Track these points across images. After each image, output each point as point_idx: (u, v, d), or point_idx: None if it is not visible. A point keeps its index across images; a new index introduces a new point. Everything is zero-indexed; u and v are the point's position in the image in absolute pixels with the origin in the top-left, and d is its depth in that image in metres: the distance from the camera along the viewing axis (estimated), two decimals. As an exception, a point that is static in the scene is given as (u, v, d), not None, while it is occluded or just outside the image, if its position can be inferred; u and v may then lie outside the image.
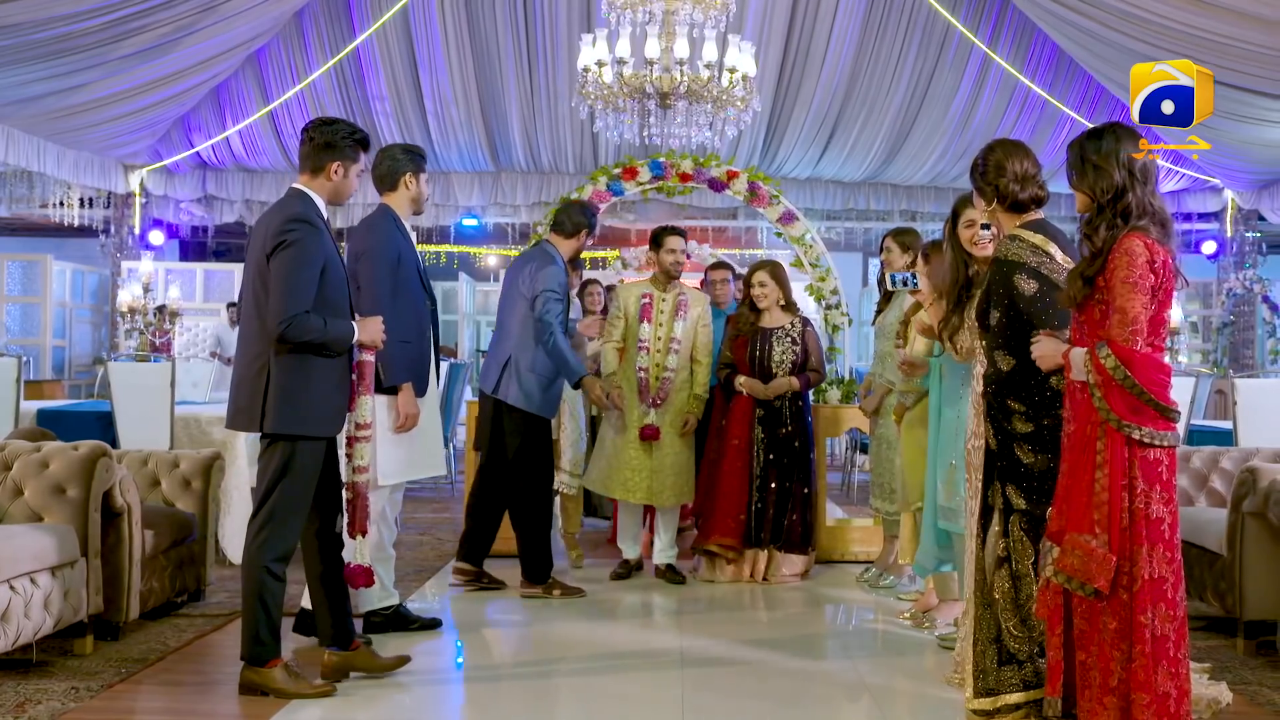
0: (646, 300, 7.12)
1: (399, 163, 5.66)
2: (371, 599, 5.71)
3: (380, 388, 5.26)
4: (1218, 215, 16.05)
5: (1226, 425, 7.84)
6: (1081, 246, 3.91)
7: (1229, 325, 15.79)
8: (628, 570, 7.17)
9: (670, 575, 7.04)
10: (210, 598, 6.38)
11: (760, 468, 6.94)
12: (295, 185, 4.78)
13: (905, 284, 5.58)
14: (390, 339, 5.11)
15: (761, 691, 4.89)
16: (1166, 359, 3.91)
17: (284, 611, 5.96)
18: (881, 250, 6.92)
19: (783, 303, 7.15)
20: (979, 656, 4.28)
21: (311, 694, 4.70)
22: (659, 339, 7.07)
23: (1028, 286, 4.17)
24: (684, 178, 7.95)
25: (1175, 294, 3.99)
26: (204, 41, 12.59)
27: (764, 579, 6.97)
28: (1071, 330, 3.96)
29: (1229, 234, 15.93)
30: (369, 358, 4.83)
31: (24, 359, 7.99)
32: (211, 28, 12.27)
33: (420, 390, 5.51)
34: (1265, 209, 14.88)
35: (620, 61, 9.38)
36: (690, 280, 8.03)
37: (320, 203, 4.76)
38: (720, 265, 8.10)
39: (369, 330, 4.79)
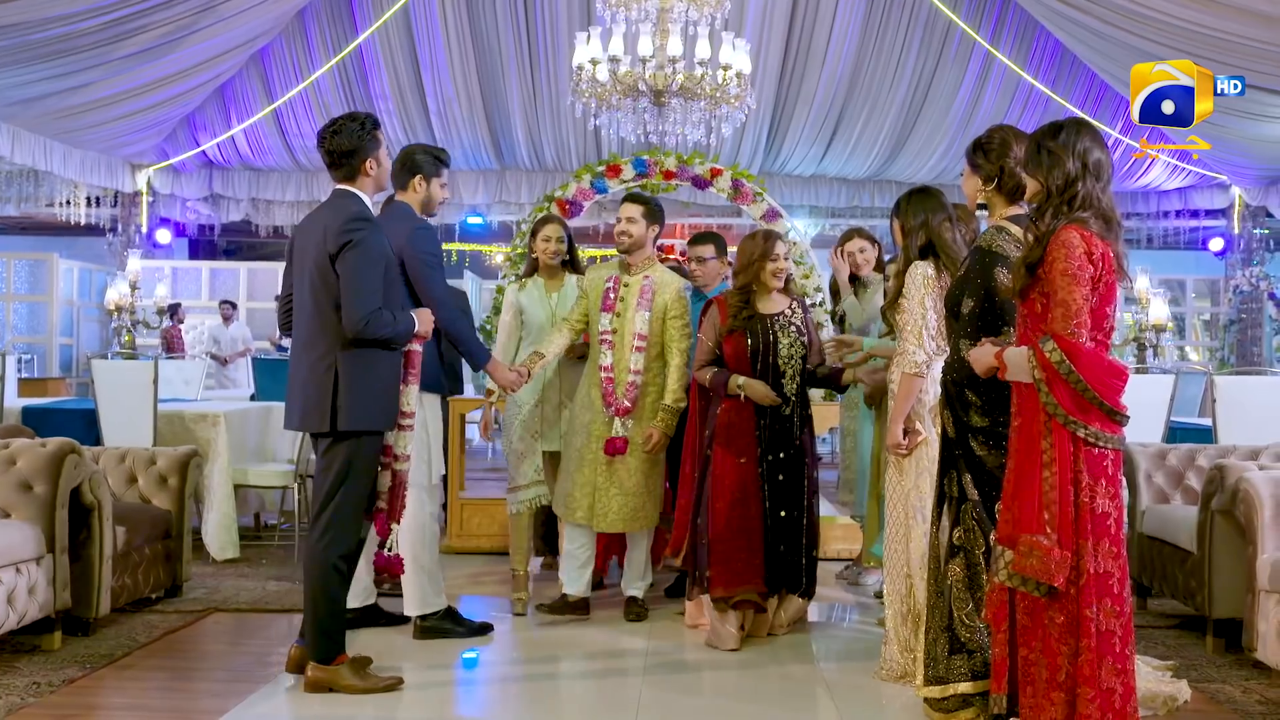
0: (610, 285, 5.91)
1: (416, 163, 5.66)
2: (354, 597, 5.72)
3: (443, 389, 5.63)
4: (1225, 212, 15.94)
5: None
6: (1027, 234, 3.91)
7: (1236, 323, 15.68)
8: (563, 607, 5.92)
9: (633, 608, 5.97)
10: (188, 594, 6.41)
11: (774, 495, 5.57)
12: (339, 187, 4.81)
13: None
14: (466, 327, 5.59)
15: (718, 687, 4.91)
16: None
17: (248, 608, 6.14)
18: (851, 253, 6.86)
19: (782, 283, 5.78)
20: (930, 644, 4.30)
21: (382, 687, 4.71)
22: (621, 333, 5.85)
23: (1008, 280, 4.14)
24: (668, 175, 7.95)
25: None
26: (206, 41, 12.69)
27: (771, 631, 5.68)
28: (1016, 325, 3.94)
29: (1236, 231, 15.83)
30: (417, 347, 4.90)
31: (8, 355, 8.04)
32: (212, 27, 12.36)
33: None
34: (1273, 205, 14.81)
35: (614, 59, 9.39)
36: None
37: (368, 201, 4.83)
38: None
39: (424, 322, 4.88)
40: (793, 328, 5.68)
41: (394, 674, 4.83)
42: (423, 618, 5.57)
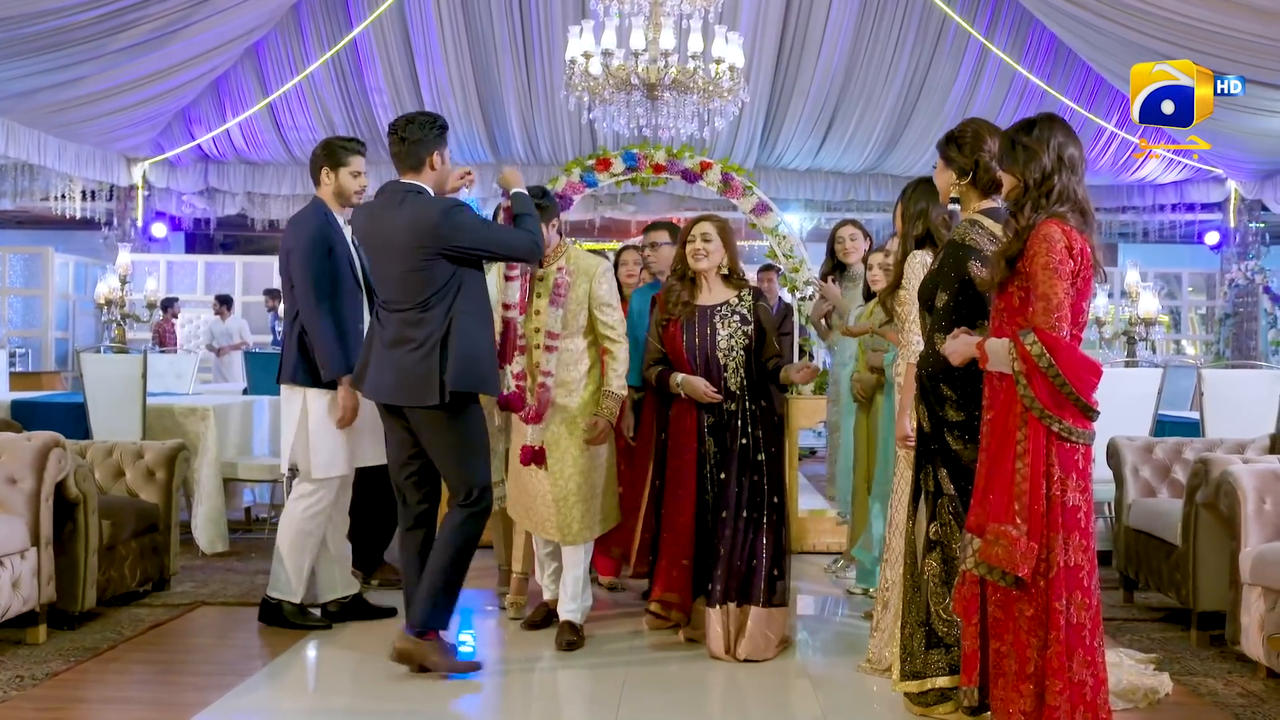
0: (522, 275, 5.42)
1: (318, 156, 5.72)
2: (336, 588, 5.79)
3: (318, 382, 5.48)
4: (1221, 205, 15.93)
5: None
6: (1006, 229, 3.91)
7: (1231, 316, 15.68)
8: (545, 616, 5.63)
9: (566, 634, 5.34)
10: (175, 587, 6.41)
11: (714, 495, 5.26)
12: (406, 181, 4.89)
13: None
14: (327, 334, 5.39)
15: (701, 679, 4.91)
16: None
17: (235, 602, 6.15)
18: (842, 239, 6.87)
19: (725, 272, 5.44)
20: (907, 639, 4.31)
21: (463, 668, 4.88)
22: (535, 331, 5.35)
23: (981, 275, 4.15)
24: (657, 169, 7.95)
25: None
26: (201, 35, 12.69)
27: (733, 653, 5.13)
28: (990, 318, 3.94)
29: (1232, 224, 15.83)
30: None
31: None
32: (206, 21, 12.36)
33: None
34: (1268, 199, 14.79)
35: (606, 53, 9.39)
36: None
37: (432, 193, 4.92)
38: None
39: (518, 181, 5.13)
40: (735, 317, 5.36)
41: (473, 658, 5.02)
42: (268, 598, 5.66)
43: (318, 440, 5.50)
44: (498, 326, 5.25)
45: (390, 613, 5.78)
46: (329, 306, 5.43)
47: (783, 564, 5.28)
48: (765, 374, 5.41)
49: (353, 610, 5.80)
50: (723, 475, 5.27)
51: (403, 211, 4.79)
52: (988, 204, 4.34)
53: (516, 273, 5.25)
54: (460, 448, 4.84)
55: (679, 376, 5.35)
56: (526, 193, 5.08)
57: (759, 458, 5.29)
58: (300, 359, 5.50)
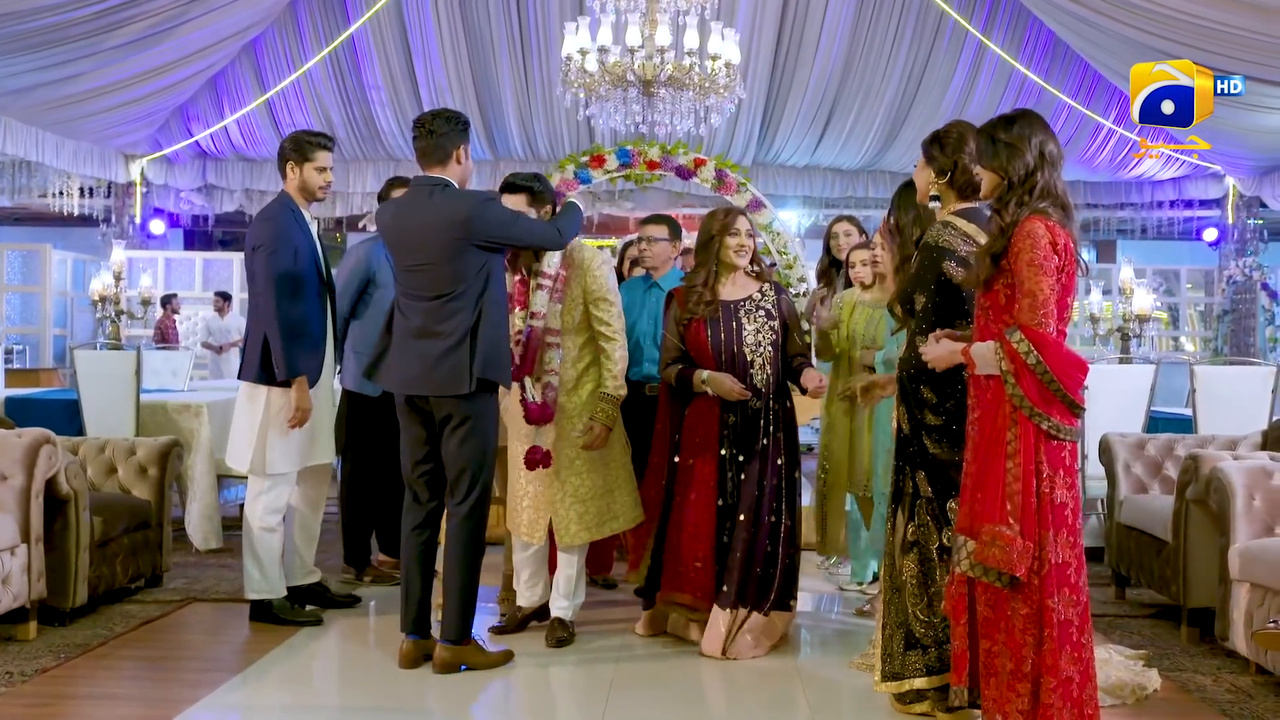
0: (520, 279, 5.27)
1: (284, 150, 5.69)
2: (294, 575, 5.85)
3: (273, 380, 5.47)
4: (1219, 202, 15.93)
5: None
6: (990, 225, 3.91)
7: (1229, 313, 15.67)
8: (518, 622, 5.47)
9: (557, 630, 5.27)
10: (168, 584, 6.41)
11: (732, 496, 5.12)
12: (434, 176, 4.90)
13: None
14: (284, 337, 5.38)
15: (691, 675, 4.92)
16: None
17: (227, 598, 6.16)
18: (837, 236, 6.86)
19: (749, 268, 5.33)
20: (887, 640, 4.31)
21: (500, 661, 4.97)
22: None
23: (956, 275, 4.16)
24: (651, 165, 7.95)
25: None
26: (198, 31, 12.68)
27: (724, 653, 5.06)
28: (975, 317, 3.94)
29: (1230, 221, 15.82)
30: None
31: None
32: (203, 18, 12.35)
33: (312, 382, 5.53)
34: (1266, 196, 14.79)
35: (602, 50, 9.39)
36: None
37: (458, 187, 4.96)
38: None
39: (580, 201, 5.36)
40: (761, 312, 5.23)
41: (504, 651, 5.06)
42: (252, 603, 5.67)
43: (275, 437, 5.51)
44: (517, 325, 5.21)
45: (355, 600, 5.98)
46: (287, 309, 5.40)
47: (792, 563, 5.25)
48: (789, 372, 5.32)
49: (314, 598, 5.89)
50: (743, 477, 5.13)
51: (433, 205, 4.82)
52: (963, 205, 4.35)
53: (549, 282, 5.17)
54: (478, 443, 4.85)
55: (704, 374, 5.16)
56: (577, 203, 5.23)
57: (779, 461, 5.18)
58: (264, 357, 5.47)
